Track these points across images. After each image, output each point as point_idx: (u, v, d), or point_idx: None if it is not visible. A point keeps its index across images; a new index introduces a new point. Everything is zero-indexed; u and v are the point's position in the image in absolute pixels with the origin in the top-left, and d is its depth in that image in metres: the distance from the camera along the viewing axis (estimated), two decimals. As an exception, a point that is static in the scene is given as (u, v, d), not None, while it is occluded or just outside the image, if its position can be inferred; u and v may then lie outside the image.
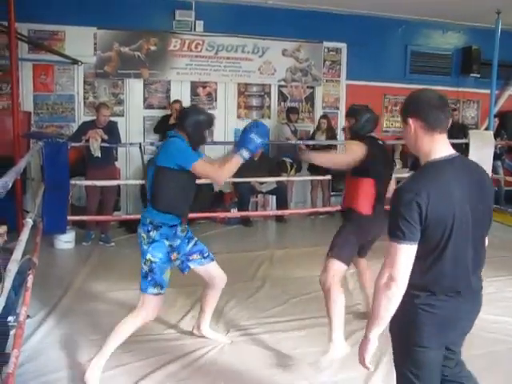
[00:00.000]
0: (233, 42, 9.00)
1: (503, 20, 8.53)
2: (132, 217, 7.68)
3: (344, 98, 9.89)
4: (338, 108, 9.90)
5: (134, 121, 8.72)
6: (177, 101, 8.47)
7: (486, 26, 9.33)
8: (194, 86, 9.01)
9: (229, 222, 8.51)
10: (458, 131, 8.38)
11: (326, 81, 9.79)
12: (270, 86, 9.45)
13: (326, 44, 9.64)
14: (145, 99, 8.80)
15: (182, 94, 8.86)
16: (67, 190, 6.41)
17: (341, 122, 9.87)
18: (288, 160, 8.92)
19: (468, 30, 10.56)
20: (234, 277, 5.72)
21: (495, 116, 10.38)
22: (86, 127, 6.99)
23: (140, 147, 7.17)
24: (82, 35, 8.27)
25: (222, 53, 8.98)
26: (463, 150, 7.80)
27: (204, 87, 9.06)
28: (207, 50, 8.90)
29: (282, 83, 9.49)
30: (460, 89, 10.74)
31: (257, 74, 9.25)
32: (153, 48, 8.64)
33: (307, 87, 9.68)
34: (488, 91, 9.07)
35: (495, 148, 9.75)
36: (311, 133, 9.29)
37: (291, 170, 8.96)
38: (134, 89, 8.73)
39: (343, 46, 9.74)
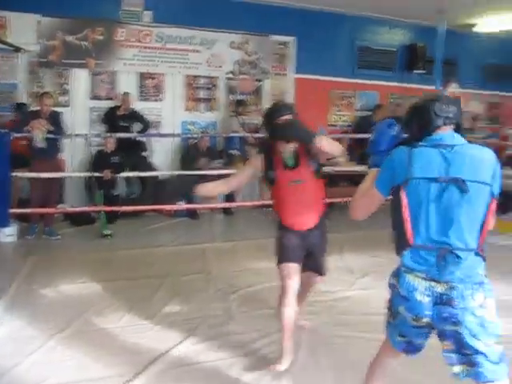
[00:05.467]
0: (181, 34, 8.91)
1: (446, 19, 8.70)
2: (77, 210, 7.57)
3: (292, 91, 9.94)
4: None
5: (80, 112, 8.53)
6: (127, 93, 8.44)
7: (431, 25, 9.52)
8: (142, 78, 8.89)
9: (176, 214, 8.47)
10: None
11: (275, 74, 9.82)
12: (218, 78, 9.41)
13: (275, 37, 9.66)
14: (91, 90, 8.63)
15: (129, 85, 8.74)
16: (8, 182, 6.26)
17: (289, 115, 9.90)
18: (236, 152, 8.92)
19: (413, 28, 10.77)
20: (180, 269, 5.77)
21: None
22: (28, 117, 6.83)
23: (86, 138, 7.06)
24: (25, 22, 8.00)
25: (170, 44, 8.88)
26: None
27: (152, 79, 8.95)
28: (155, 41, 8.78)
29: (230, 76, 9.47)
30: (405, 84, 10.95)
31: (205, 66, 9.20)
32: (99, 38, 8.46)
33: (255, 80, 9.69)
34: (432, 87, 9.28)
35: None
36: (259, 126, 9.30)
37: (239, 162, 8.96)
38: (80, 79, 8.54)
39: (291, 39, 9.77)
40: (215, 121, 9.48)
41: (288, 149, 3.49)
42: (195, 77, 9.25)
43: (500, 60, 11.71)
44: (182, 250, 6.59)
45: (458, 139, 2.38)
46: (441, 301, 2.28)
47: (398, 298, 2.42)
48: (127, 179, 8.27)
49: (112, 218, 7.40)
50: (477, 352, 2.24)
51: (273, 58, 9.74)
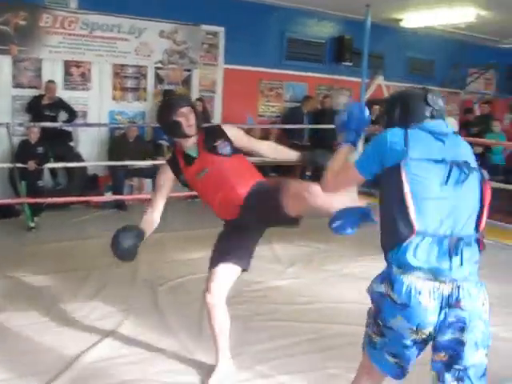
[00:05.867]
0: (108, 22, 8.72)
1: (373, 13, 8.89)
2: (0, 202, 7.34)
3: (221, 81, 9.93)
4: (214, 92, 9.92)
5: (1, 100, 8.20)
6: (51, 81, 8.21)
7: (358, 18, 9.71)
8: (68, 66, 8.65)
9: (104, 206, 8.32)
10: (330, 117, 8.69)
11: (204, 64, 9.77)
12: (146, 67, 9.28)
13: (204, 27, 9.60)
14: (13, 78, 8.32)
15: (54, 73, 8.49)
16: None
17: (217, 105, 9.93)
18: (164, 143, 8.85)
19: (341, 21, 10.95)
20: (108, 261, 5.68)
21: (376, 104, 10.90)
22: None
23: (8, 128, 6.85)
24: None
25: (96, 32, 8.67)
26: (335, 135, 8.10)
27: (78, 67, 8.73)
28: (81, 28, 8.54)
29: (159, 65, 9.36)
30: (333, 76, 11.14)
31: (133, 55, 9.05)
32: (22, 23, 8.13)
33: (184, 70, 9.62)
34: (359, 79, 9.47)
35: (374, 134, 10.21)
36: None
37: (167, 152, 8.90)
38: (2, 66, 8.19)
39: (221, 29, 9.75)
40: (143, 111, 9.37)
41: (191, 143, 3.33)
42: (123, 66, 9.09)
43: (422, 55, 12.11)
44: (109, 243, 6.47)
45: (450, 129, 2.28)
46: (448, 303, 2.04)
47: (392, 308, 2.09)
48: (53, 170, 8.07)
49: (37, 210, 7.20)
50: (470, 366, 2.10)
51: (202, 48, 9.69)
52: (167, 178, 3.37)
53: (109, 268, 5.44)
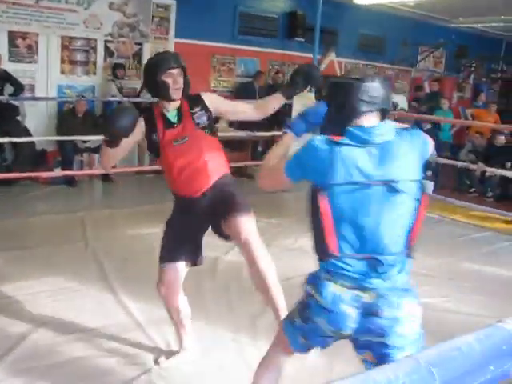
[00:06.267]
0: (55, -9, 8.47)
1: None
2: None
3: (173, 56, 9.78)
4: (166, 66, 9.77)
5: None
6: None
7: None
8: (13, 37, 8.36)
9: (52, 182, 8.15)
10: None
11: (155, 38, 9.61)
12: (96, 40, 9.06)
13: (155, 0, 9.43)
14: (-47, 49, 8.01)
15: (-2, 44, 8.23)
16: None
17: (169, 80, 9.79)
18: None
19: (294, -5, 10.92)
20: (59, 238, 5.61)
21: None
22: None
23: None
24: None
25: (43, 2, 8.36)
26: (286, 111, 8.10)
27: (24, 38, 8.45)
28: (27, -3, 8.27)
29: (109, 38, 9.16)
30: (286, 52, 11.12)
31: (82, 27, 8.80)
32: (-39, -10, 7.83)
33: (135, 43, 9.45)
34: (311, 55, 9.48)
35: None
36: (138, 90, 9.12)
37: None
38: None
39: (172, 2, 9.60)
40: (93, 85, 9.16)
41: (173, 106, 3.19)
42: (71, 38, 8.84)
43: (374, 32, 12.21)
44: (58, 219, 6.38)
45: (386, 131, 2.12)
46: (368, 312, 2.07)
47: (317, 308, 2.15)
48: (-1, 145, 7.86)
49: (-18, 186, 7.03)
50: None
51: (153, 21, 9.52)
52: (136, 131, 3.05)
53: (58, 245, 5.37)
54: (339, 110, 2.16)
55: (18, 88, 8.08)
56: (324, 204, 2.06)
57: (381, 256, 2.07)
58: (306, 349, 2.32)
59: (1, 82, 7.91)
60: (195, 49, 9.69)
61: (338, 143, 2.07)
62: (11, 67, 8.18)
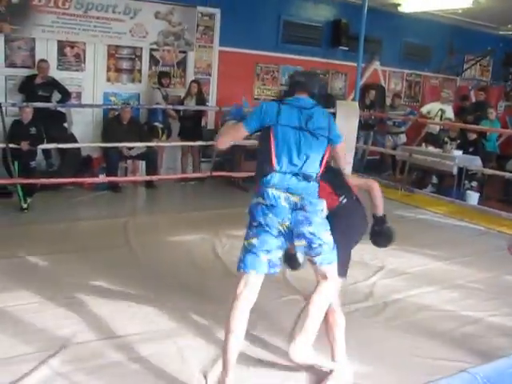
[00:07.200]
0: (103, 2, 8.59)
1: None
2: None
3: (216, 64, 9.88)
4: (210, 74, 9.88)
5: (-6, 80, 8.15)
6: (44, 60, 8.12)
7: (355, 2, 9.65)
8: (61, 46, 8.56)
9: (97, 187, 8.28)
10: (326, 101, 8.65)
11: (199, 46, 9.70)
12: (141, 49, 9.20)
13: (200, 9, 9.52)
14: (6, 57, 8.22)
15: (48, 53, 8.41)
16: None
17: (212, 88, 9.89)
18: (159, 125, 8.82)
19: (338, 4, 10.90)
20: (102, 243, 5.69)
21: (372, 88, 10.92)
22: None
23: (0, 108, 6.78)
24: None
25: (91, 12, 8.55)
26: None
27: (72, 47, 8.64)
28: (75, 7, 8.42)
29: (154, 47, 9.28)
30: (329, 60, 11.09)
31: (128, 36, 8.96)
32: (14, 1, 8.00)
33: (179, 52, 9.55)
34: (355, 64, 9.42)
35: (370, 119, 10.36)
36: (182, 98, 9.21)
37: (162, 135, 8.87)
38: (-5, 45, 8.14)
39: (217, 11, 9.67)
40: (138, 92, 9.30)
41: None
42: (118, 47, 9.01)
43: (419, 40, 12.06)
44: (102, 224, 6.47)
45: (310, 103, 3.22)
46: (296, 207, 3.05)
47: (264, 209, 3.05)
48: (46, 151, 8.00)
49: (30, 191, 7.16)
50: (323, 243, 3.06)
51: (198, 29, 9.61)
52: None
53: (101, 250, 5.44)
54: (290, 89, 3.36)
55: (65, 95, 8.26)
56: (272, 136, 3.11)
57: (303, 172, 3.10)
58: (270, 265, 3.04)
59: (49, 89, 8.10)
60: (239, 57, 9.76)
61: (283, 103, 3.21)
62: (59, 75, 8.39)
